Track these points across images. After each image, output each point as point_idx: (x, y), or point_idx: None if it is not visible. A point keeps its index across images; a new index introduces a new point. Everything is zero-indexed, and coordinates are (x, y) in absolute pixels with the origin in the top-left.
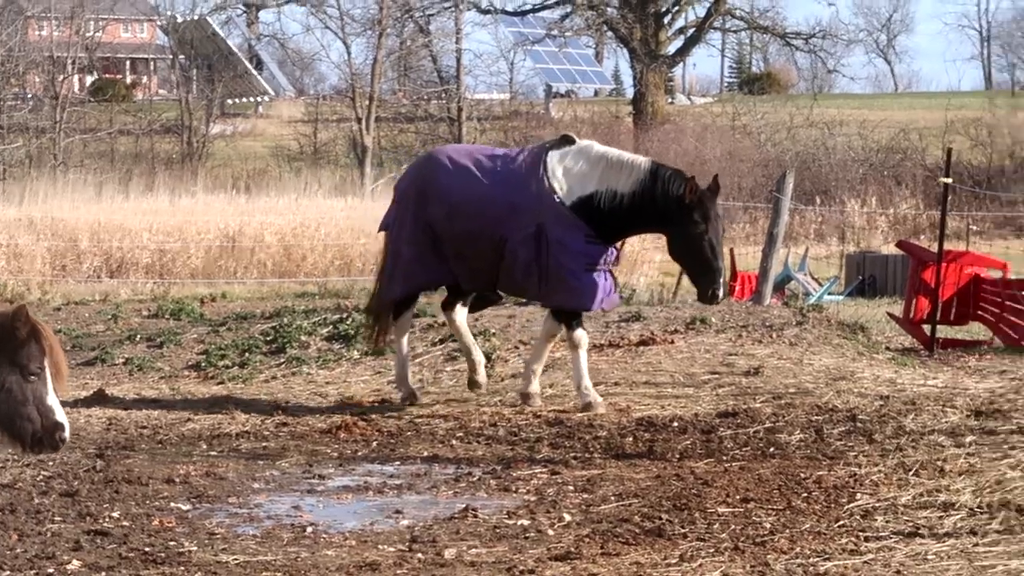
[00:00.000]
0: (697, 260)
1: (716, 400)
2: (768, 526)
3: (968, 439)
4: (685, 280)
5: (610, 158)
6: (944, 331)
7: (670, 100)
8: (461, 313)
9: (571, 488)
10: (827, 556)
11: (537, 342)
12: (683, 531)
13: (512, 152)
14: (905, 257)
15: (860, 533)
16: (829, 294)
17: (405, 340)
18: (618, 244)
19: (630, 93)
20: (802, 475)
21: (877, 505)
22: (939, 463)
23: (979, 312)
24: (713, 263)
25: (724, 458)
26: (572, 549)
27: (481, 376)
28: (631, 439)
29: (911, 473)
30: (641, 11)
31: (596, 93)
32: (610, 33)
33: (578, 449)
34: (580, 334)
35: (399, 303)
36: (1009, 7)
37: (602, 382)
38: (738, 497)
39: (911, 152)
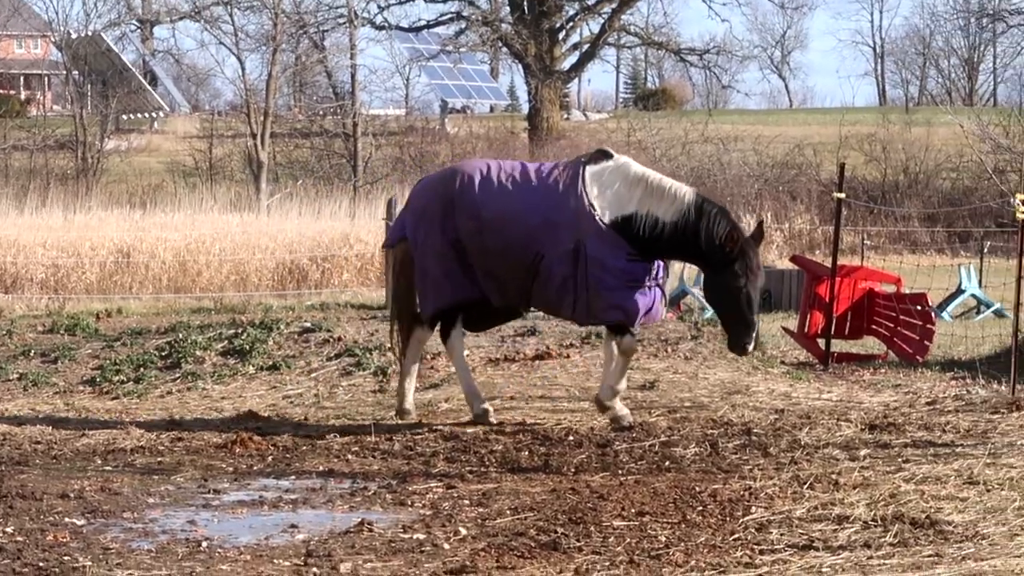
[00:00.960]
0: (733, 311)
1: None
2: (663, 539)
3: (862, 452)
4: None
5: (650, 182)
6: (838, 345)
7: (565, 116)
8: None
9: (467, 502)
10: (722, 569)
11: (611, 362)
12: (578, 545)
13: (545, 167)
14: (800, 272)
15: (755, 546)
16: None
17: (461, 357)
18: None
19: (525, 109)
20: (697, 488)
21: (772, 518)
22: (834, 476)
23: (873, 326)
24: (748, 317)
25: (619, 472)
26: (468, 563)
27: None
28: (527, 453)
29: (806, 486)
30: (535, 27)
31: (491, 109)
32: (505, 49)
33: (474, 463)
34: (630, 340)
35: (442, 322)
36: (902, 24)
37: (497, 396)
38: (633, 511)
39: (806, 167)
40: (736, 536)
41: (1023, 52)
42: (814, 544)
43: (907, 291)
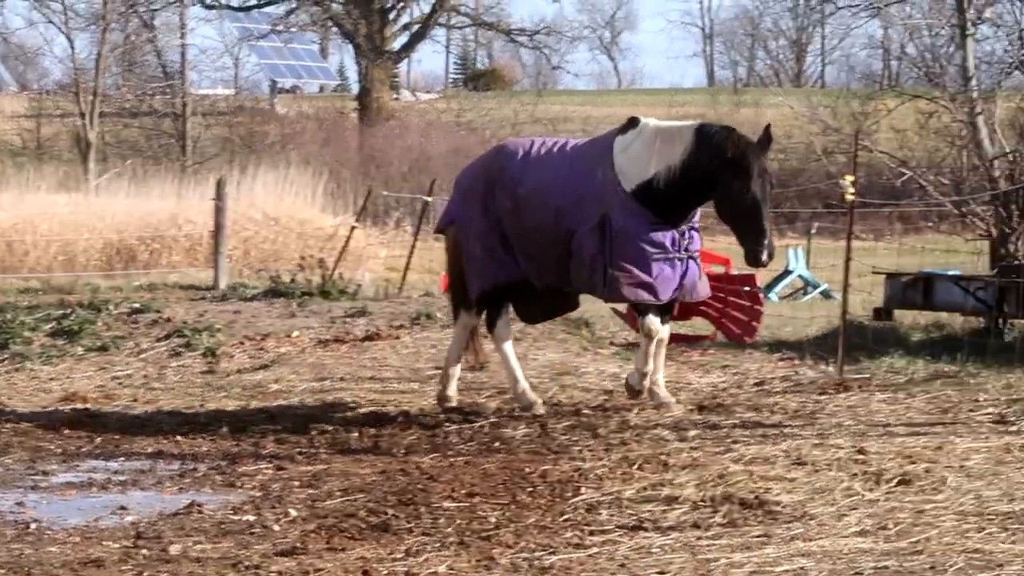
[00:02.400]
0: (740, 218)
1: None
2: (493, 520)
3: (691, 433)
4: (410, 275)
5: (662, 131)
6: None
7: (395, 96)
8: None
9: (296, 484)
10: (552, 550)
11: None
12: (409, 526)
13: (583, 142)
14: None
15: (585, 527)
16: None
17: (508, 347)
18: (697, 226)
19: (355, 89)
20: (527, 470)
21: (601, 499)
22: (663, 457)
23: (702, 307)
24: (758, 222)
25: (449, 453)
26: (298, 544)
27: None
28: (356, 434)
29: (635, 467)
30: (366, 7)
31: (321, 89)
32: (335, 29)
33: (303, 444)
34: (652, 320)
35: (488, 306)
36: (731, 5)
37: (327, 377)
38: (463, 492)
39: None
40: (566, 517)
41: (851, 34)
42: (644, 525)
43: (736, 272)
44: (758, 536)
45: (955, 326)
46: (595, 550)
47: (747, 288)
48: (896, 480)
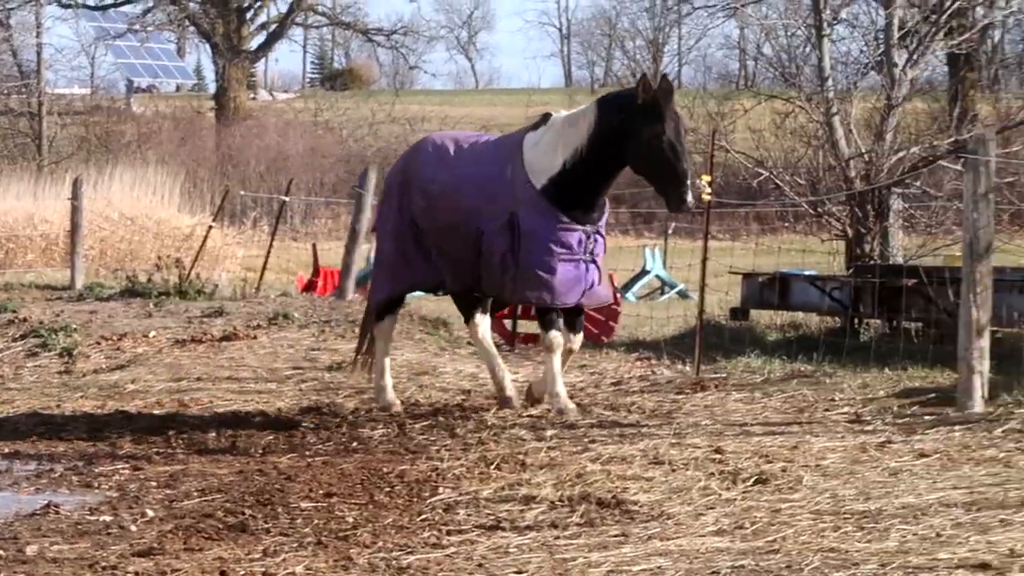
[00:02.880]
0: (658, 165)
1: (299, 395)
2: (351, 520)
3: (549, 433)
4: (268, 275)
5: (569, 118)
6: (525, 326)
7: (252, 96)
8: (484, 325)
9: (154, 484)
10: (410, 550)
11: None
12: (266, 526)
13: (498, 137)
14: None
15: (443, 527)
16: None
17: (385, 346)
18: (602, 227)
19: (212, 88)
20: (385, 469)
21: (459, 499)
22: (521, 457)
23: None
24: (676, 164)
25: (307, 453)
26: (155, 545)
27: (511, 391)
28: (214, 434)
29: (493, 467)
30: (223, 6)
31: (178, 88)
32: (192, 28)
33: (161, 445)
34: (555, 335)
35: (387, 304)
36: (588, 5)
37: (184, 377)
38: (321, 492)
39: None
40: (424, 517)
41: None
42: (501, 524)
43: None
44: (616, 535)
45: (811, 326)
46: (453, 550)
47: None
48: (753, 479)
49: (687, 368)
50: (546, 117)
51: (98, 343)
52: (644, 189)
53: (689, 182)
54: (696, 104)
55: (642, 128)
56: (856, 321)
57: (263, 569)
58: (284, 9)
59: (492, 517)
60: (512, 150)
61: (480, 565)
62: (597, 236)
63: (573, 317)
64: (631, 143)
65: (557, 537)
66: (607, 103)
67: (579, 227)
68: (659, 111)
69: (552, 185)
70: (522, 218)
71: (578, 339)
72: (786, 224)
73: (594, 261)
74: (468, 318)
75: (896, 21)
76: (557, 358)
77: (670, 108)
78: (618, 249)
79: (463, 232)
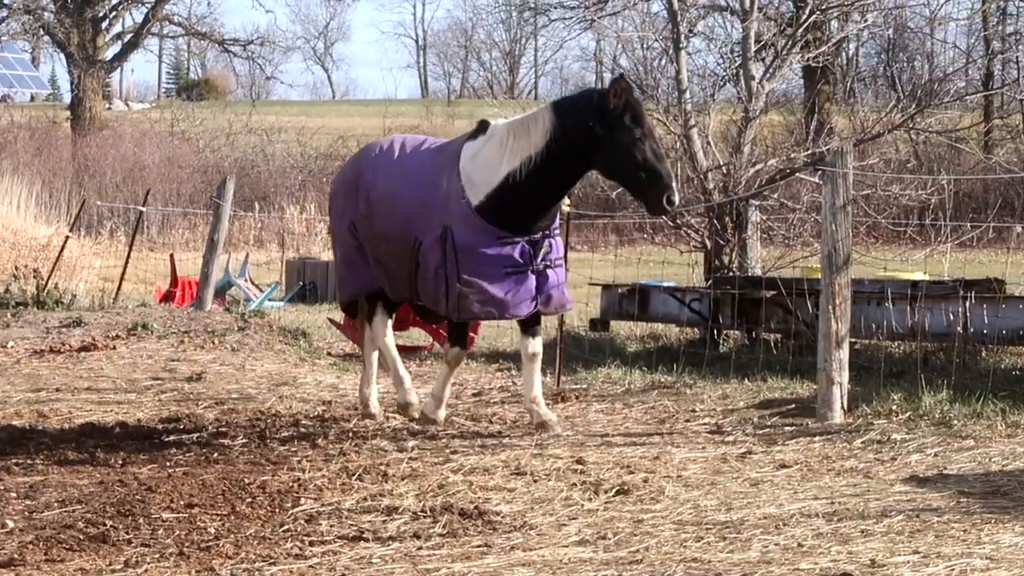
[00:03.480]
0: (640, 169)
1: (159, 406)
2: (213, 531)
3: (411, 444)
4: (126, 285)
5: (515, 126)
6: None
7: (108, 106)
8: (386, 325)
9: (13, 495)
10: (272, 561)
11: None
12: (128, 537)
13: (441, 143)
14: None
15: (305, 537)
16: (270, 300)
17: (372, 352)
18: (556, 232)
19: (68, 98)
20: (246, 480)
21: (322, 509)
22: (383, 468)
23: (419, 318)
24: (659, 166)
25: (168, 464)
26: (15, 556)
27: (413, 397)
28: (74, 445)
29: (355, 477)
30: (79, 16)
31: (32, 98)
32: (47, 38)
33: (20, 455)
34: (456, 352)
35: (352, 308)
36: (445, 16)
37: (43, 388)
38: (182, 503)
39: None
40: (286, 528)
41: (564, 46)
42: (364, 535)
43: None
44: (478, 546)
45: (671, 337)
46: (315, 560)
47: None
48: (615, 490)
49: (547, 379)
50: (484, 125)
51: None
52: None
53: (673, 183)
54: None
55: (617, 133)
56: (716, 332)
57: None
58: (140, 19)
59: (354, 528)
60: (450, 159)
61: None
62: (550, 241)
63: (530, 323)
64: (605, 149)
65: (419, 548)
66: (566, 108)
67: (520, 239)
68: (636, 115)
69: (490, 201)
70: (456, 233)
71: (538, 343)
72: (645, 236)
73: (548, 267)
74: (370, 316)
75: (752, 34)
76: (452, 373)
77: (643, 109)
78: None
79: (400, 242)
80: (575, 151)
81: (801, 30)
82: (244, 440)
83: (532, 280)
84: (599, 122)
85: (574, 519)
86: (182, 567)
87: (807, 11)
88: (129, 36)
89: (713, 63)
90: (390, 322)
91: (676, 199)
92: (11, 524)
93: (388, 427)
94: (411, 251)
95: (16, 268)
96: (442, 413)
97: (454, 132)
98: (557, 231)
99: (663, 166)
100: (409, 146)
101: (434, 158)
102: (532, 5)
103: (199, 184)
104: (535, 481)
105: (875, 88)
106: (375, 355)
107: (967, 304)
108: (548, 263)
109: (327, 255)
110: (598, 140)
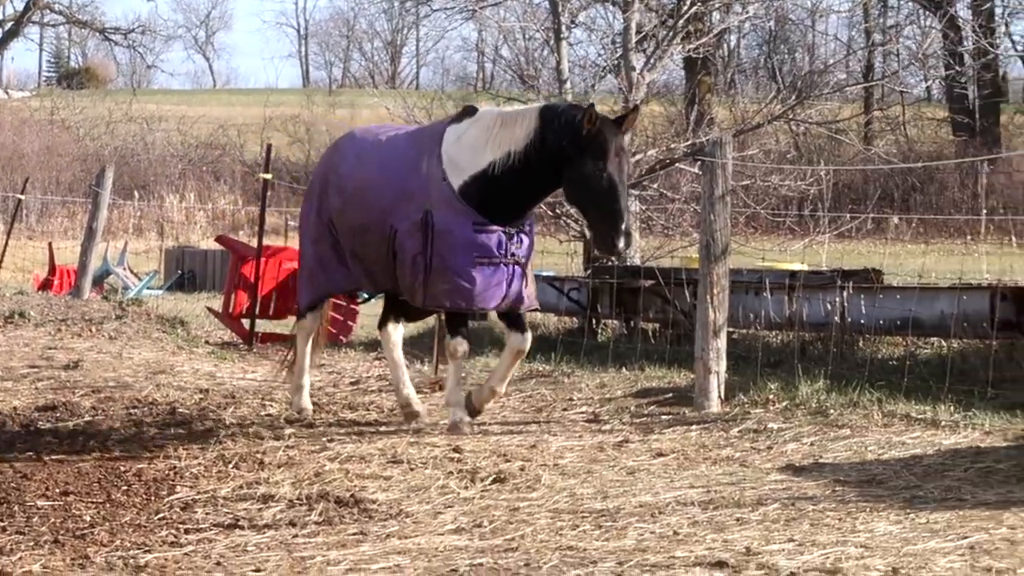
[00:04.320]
0: (594, 201)
1: (35, 394)
2: (88, 519)
3: (287, 432)
4: (3, 274)
5: (504, 116)
6: (263, 325)
7: None
8: (397, 333)
9: None
10: (148, 548)
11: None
12: (2, 524)
13: (416, 129)
14: (224, 252)
15: (180, 525)
16: (149, 288)
17: (305, 345)
18: (528, 229)
19: None
20: (122, 468)
21: (197, 497)
22: (259, 456)
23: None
24: (612, 205)
25: (44, 452)
26: None
27: (417, 407)
28: None
29: (231, 466)
30: None
31: None
32: None
33: None
34: (458, 342)
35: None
36: (326, 6)
37: None
38: (58, 490)
39: (230, 148)
40: (161, 515)
41: (446, 36)
42: (240, 523)
43: None
44: (354, 534)
45: (549, 326)
46: (190, 548)
47: None
48: (491, 478)
49: (425, 368)
50: (471, 109)
51: None
52: None
53: (623, 226)
54: (435, 106)
55: (585, 159)
56: (594, 322)
57: None
58: (20, 7)
59: (230, 516)
60: (430, 143)
61: (218, 564)
62: (522, 237)
63: (515, 318)
64: (570, 170)
65: (295, 535)
66: (551, 116)
67: (498, 228)
68: (604, 145)
69: (473, 184)
70: (436, 217)
71: (527, 338)
72: None
73: (519, 263)
74: (382, 324)
75: (633, 25)
76: (460, 367)
77: (618, 141)
78: None
79: (377, 233)
80: (544, 162)
81: (682, 21)
82: (120, 428)
83: (503, 273)
84: (572, 142)
85: (450, 507)
86: (57, 555)
87: (688, 2)
88: (10, 24)
89: (594, 54)
90: (401, 328)
91: (620, 245)
92: None
93: (265, 415)
94: (388, 242)
95: None
96: (466, 417)
97: (335, 122)
98: (530, 228)
99: (616, 207)
100: (384, 134)
101: (412, 143)
102: None
103: (79, 172)
104: (412, 469)
105: (756, 79)
106: (399, 355)
107: (845, 294)
108: (516, 259)
109: (206, 243)
110: (568, 160)
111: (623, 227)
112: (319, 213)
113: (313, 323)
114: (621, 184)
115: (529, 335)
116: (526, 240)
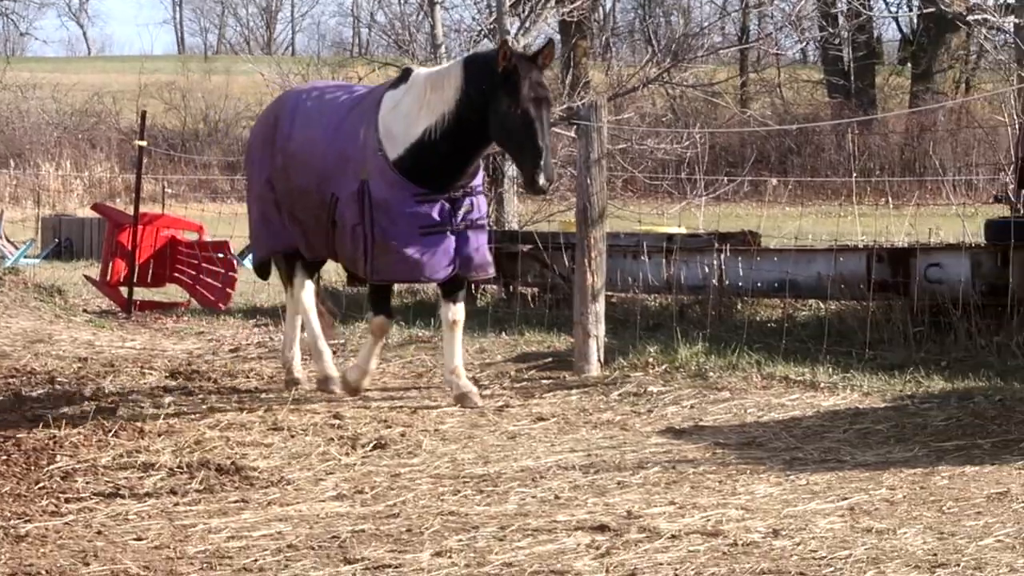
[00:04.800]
0: (513, 138)
1: None
2: None
3: (167, 400)
4: None
5: (432, 78)
6: (141, 293)
7: None
8: (308, 290)
9: None
10: (28, 518)
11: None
12: None
13: (364, 90)
14: (101, 220)
15: (61, 495)
16: (25, 257)
17: (294, 315)
18: (480, 190)
19: None
20: (1, 438)
21: (77, 466)
22: (139, 424)
23: (176, 274)
24: (529, 142)
25: None
26: None
27: (332, 371)
28: None
29: (111, 435)
30: None
31: None
32: None
33: None
34: (379, 320)
35: (264, 268)
36: None
37: None
38: None
39: (105, 116)
40: (41, 485)
41: (321, 1)
42: (120, 492)
43: (209, 239)
44: (235, 501)
45: (428, 292)
46: (71, 518)
47: (220, 255)
48: (372, 444)
49: (305, 335)
50: (406, 73)
51: None
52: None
53: (543, 162)
54: (311, 71)
55: (502, 97)
56: (472, 287)
57: None
58: None
59: (111, 484)
60: (369, 110)
61: (99, 533)
62: (471, 200)
63: (452, 288)
64: (491, 113)
65: (176, 504)
66: (473, 65)
67: (441, 196)
68: (519, 81)
69: (409, 156)
70: (373, 188)
71: (460, 309)
72: None
73: (472, 227)
74: (289, 280)
75: None
76: (379, 344)
77: (533, 76)
78: (235, 216)
79: (316, 198)
80: (476, 114)
81: None
82: (2, 397)
83: (451, 241)
84: (490, 84)
85: (331, 474)
86: None
87: None
88: None
89: (469, 18)
90: (311, 285)
91: (542, 181)
92: None
93: (144, 383)
94: (327, 207)
95: None
96: (366, 383)
97: (210, 88)
98: (480, 189)
99: (535, 142)
100: (328, 94)
101: (352, 108)
102: None
103: None
104: (292, 436)
105: (632, 43)
106: (298, 319)
107: (722, 257)
108: (468, 223)
109: (83, 212)
110: (488, 103)
111: (543, 163)
112: (259, 171)
113: (301, 287)
114: (539, 120)
115: (462, 305)
116: (477, 202)
